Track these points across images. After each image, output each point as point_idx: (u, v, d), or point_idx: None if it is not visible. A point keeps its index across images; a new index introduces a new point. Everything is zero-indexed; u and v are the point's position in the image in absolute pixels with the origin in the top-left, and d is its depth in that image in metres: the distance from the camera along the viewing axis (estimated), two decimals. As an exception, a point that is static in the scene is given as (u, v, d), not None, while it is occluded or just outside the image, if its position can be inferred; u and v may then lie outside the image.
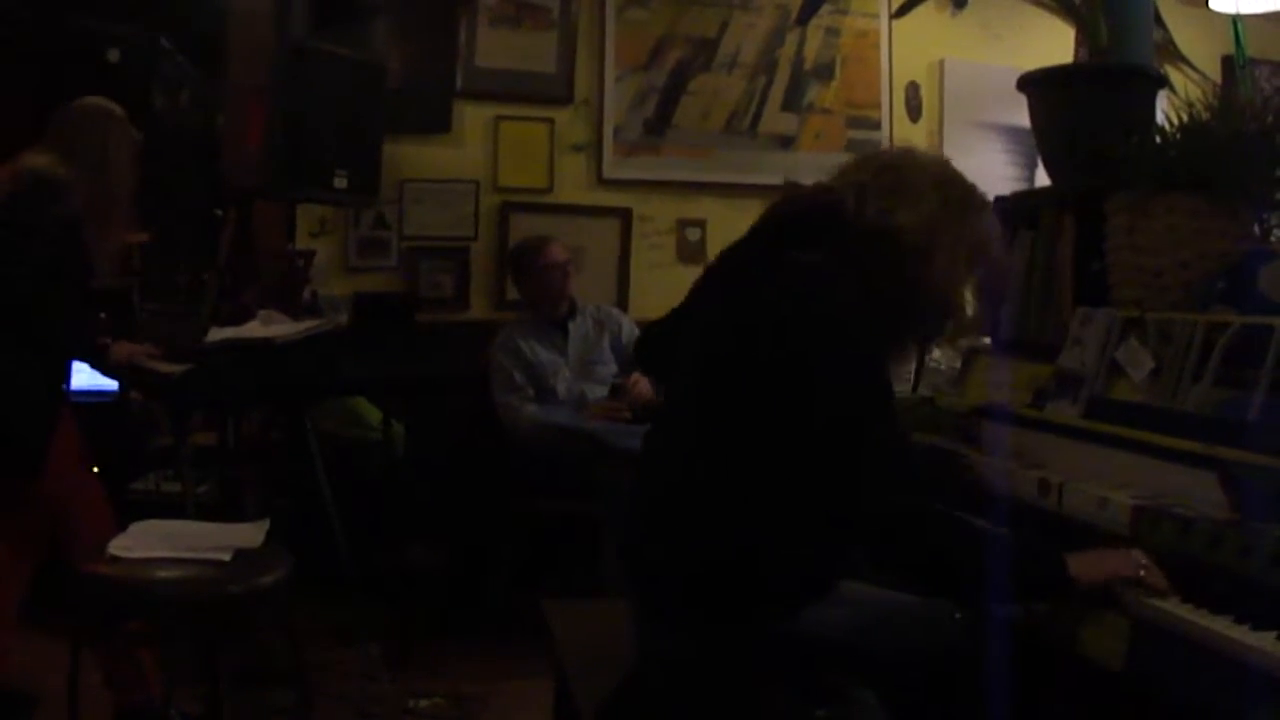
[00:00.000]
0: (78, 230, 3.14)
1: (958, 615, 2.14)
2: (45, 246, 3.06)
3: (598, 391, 4.57)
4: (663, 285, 5.36)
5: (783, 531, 2.00)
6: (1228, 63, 5.18)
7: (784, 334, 1.99)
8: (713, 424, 2.08)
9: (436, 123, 5.08)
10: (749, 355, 2.03)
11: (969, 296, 2.12)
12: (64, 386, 3.31)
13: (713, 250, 5.42)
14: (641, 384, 4.50)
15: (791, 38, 5.56)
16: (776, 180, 5.55)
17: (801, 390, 1.94)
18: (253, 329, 3.75)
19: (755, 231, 2.23)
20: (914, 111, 5.78)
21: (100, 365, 3.54)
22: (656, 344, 2.52)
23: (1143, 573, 1.89)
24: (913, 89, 5.77)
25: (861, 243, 2.05)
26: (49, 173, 3.12)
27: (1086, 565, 1.94)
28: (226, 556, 2.67)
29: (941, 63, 5.77)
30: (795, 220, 2.16)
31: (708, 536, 2.02)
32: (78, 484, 3.23)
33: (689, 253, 5.42)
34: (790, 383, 1.96)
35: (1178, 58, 3.62)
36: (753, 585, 2.02)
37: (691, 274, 5.45)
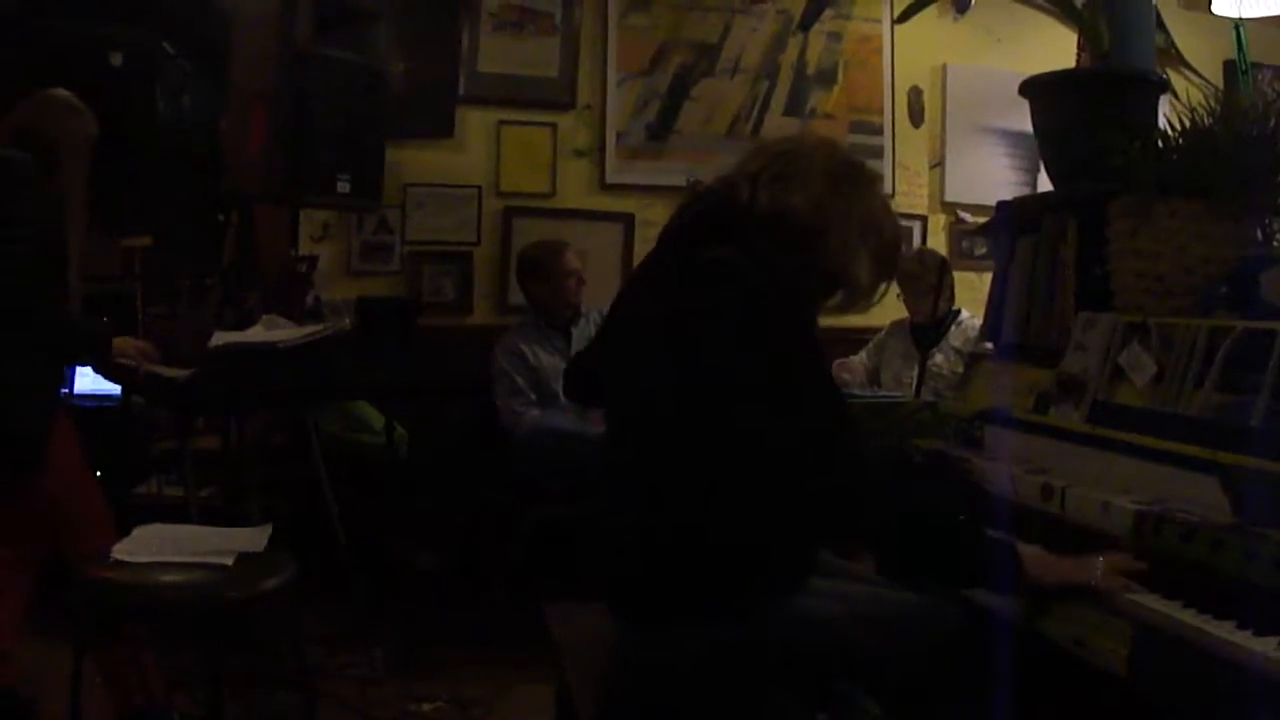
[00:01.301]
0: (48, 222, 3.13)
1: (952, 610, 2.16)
2: (24, 239, 3.05)
3: (600, 396, 4.56)
4: (665, 290, 5.37)
5: (736, 524, 2.02)
6: (1230, 67, 5.18)
7: (700, 329, 2.02)
8: (652, 429, 2.12)
9: (439, 127, 5.09)
10: (672, 356, 2.06)
11: (866, 267, 2.18)
12: (59, 381, 3.30)
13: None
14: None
15: (794, 43, 5.57)
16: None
17: (723, 383, 1.98)
18: (256, 333, 3.74)
19: (664, 236, 2.30)
20: (916, 116, 5.78)
21: (103, 363, 3.53)
22: (583, 372, 2.63)
23: (1095, 582, 1.96)
24: (915, 94, 5.77)
25: (760, 230, 2.11)
26: (11, 157, 3.12)
27: (1044, 568, 2.02)
28: (229, 561, 2.67)
29: (944, 68, 5.77)
30: (699, 218, 2.22)
31: (668, 539, 2.05)
32: (78, 487, 3.23)
33: (691, 257, 5.42)
34: (711, 376, 1.99)
35: (1180, 62, 3.63)
36: (719, 581, 2.04)
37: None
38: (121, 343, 3.40)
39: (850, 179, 2.21)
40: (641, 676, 2.10)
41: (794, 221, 2.12)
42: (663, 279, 2.21)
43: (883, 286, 2.25)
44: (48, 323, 3.14)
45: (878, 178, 2.35)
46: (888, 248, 2.24)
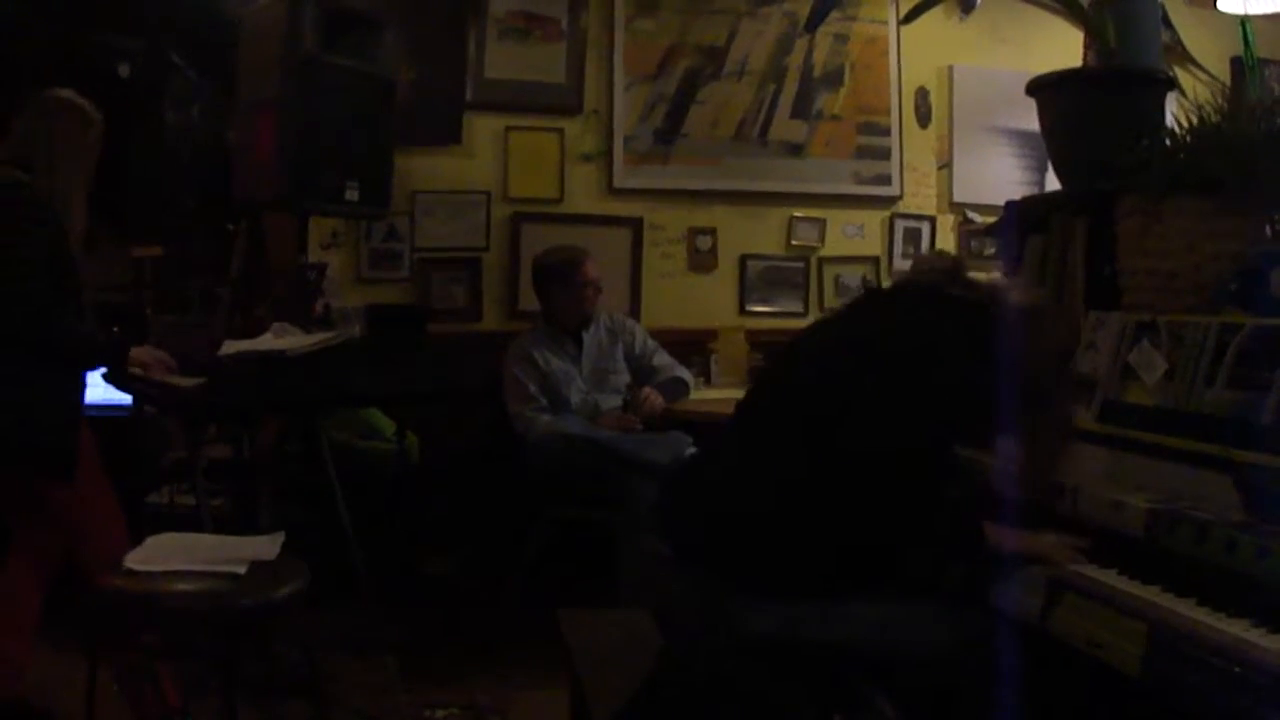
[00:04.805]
0: (55, 232, 3.14)
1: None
2: (37, 252, 3.07)
3: (611, 401, 4.57)
4: (674, 294, 5.38)
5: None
6: (1237, 64, 5.17)
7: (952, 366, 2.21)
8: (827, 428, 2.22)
9: (447, 134, 5.10)
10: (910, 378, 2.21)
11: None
12: (81, 393, 3.32)
13: (724, 258, 5.45)
14: (652, 398, 4.52)
15: (800, 45, 5.56)
16: (787, 187, 5.59)
17: (944, 416, 2.20)
18: (266, 341, 3.75)
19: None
20: (923, 117, 5.78)
21: (118, 374, 3.54)
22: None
23: (1048, 550, 2.17)
24: (922, 94, 5.77)
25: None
26: (18, 178, 3.13)
27: (1002, 537, 2.20)
28: (242, 569, 2.68)
29: (950, 68, 5.77)
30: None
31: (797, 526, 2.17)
32: (95, 496, 3.24)
33: (700, 261, 5.43)
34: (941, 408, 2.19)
35: (1187, 59, 3.62)
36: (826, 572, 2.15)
37: (703, 282, 5.51)
38: (139, 353, 3.41)
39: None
40: (688, 679, 2.15)
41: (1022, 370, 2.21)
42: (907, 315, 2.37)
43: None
44: (66, 336, 3.16)
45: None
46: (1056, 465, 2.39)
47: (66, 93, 3.36)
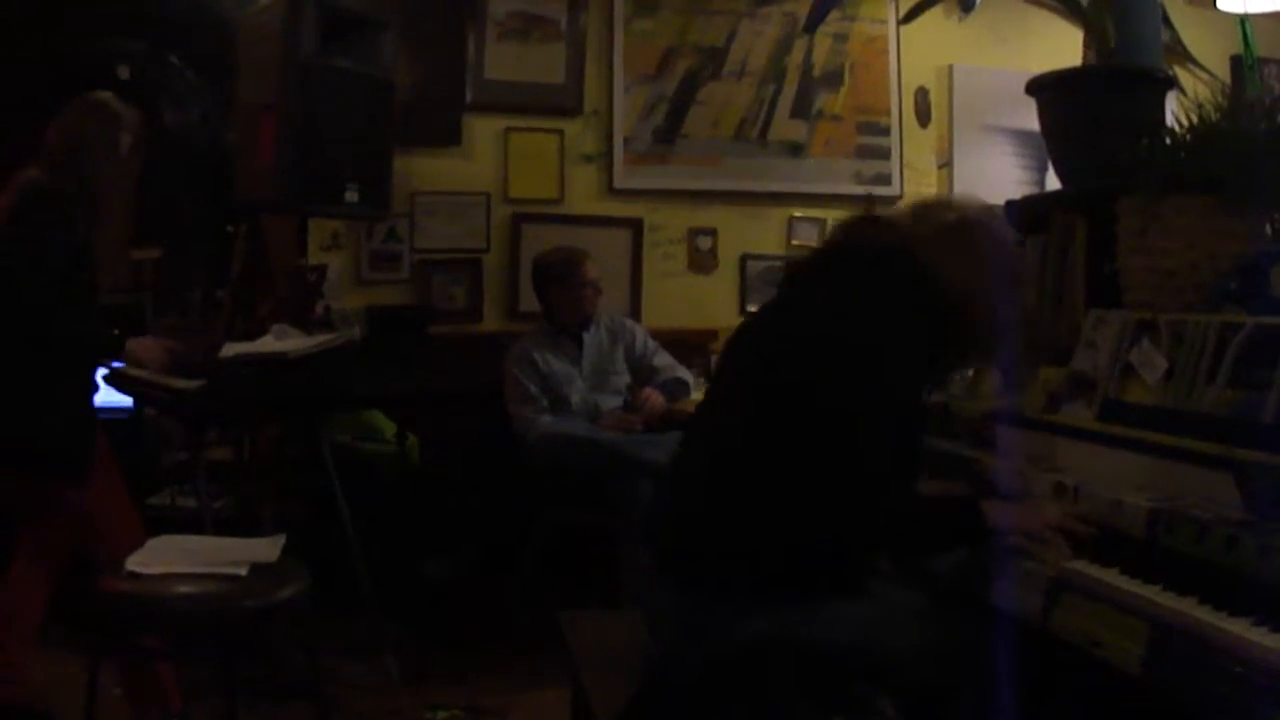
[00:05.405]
0: (80, 237, 3.15)
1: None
2: (55, 258, 3.07)
3: (611, 402, 4.57)
4: (675, 294, 5.38)
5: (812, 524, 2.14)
6: (1236, 63, 5.17)
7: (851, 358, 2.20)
8: (762, 427, 2.22)
9: (447, 135, 5.10)
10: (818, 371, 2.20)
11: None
12: (93, 394, 3.33)
13: (724, 258, 5.45)
14: (654, 398, 4.51)
15: (799, 45, 5.56)
16: (787, 187, 5.59)
17: (857, 409, 2.16)
18: (266, 344, 3.75)
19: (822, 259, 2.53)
20: (923, 117, 5.78)
21: (117, 374, 3.54)
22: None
23: (1048, 533, 2.15)
24: (922, 94, 5.77)
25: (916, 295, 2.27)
26: (42, 184, 3.13)
27: (1002, 516, 2.20)
28: (243, 571, 2.68)
29: (950, 68, 5.76)
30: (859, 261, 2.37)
31: (748, 527, 2.17)
32: (109, 497, 3.24)
33: (700, 261, 5.43)
34: (848, 401, 2.17)
35: (1186, 58, 3.61)
36: (783, 573, 2.14)
37: (703, 282, 5.50)
38: (136, 344, 3.40)
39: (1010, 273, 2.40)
40: (688, 681, 2.14)
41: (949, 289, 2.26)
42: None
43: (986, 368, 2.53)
44: (78, 339, 3.17)
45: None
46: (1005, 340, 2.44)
47: (104, 95, 3.37)
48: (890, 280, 2.27)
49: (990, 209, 2.50)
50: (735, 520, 2.18)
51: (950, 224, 2.33)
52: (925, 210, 2.41)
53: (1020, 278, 2.46)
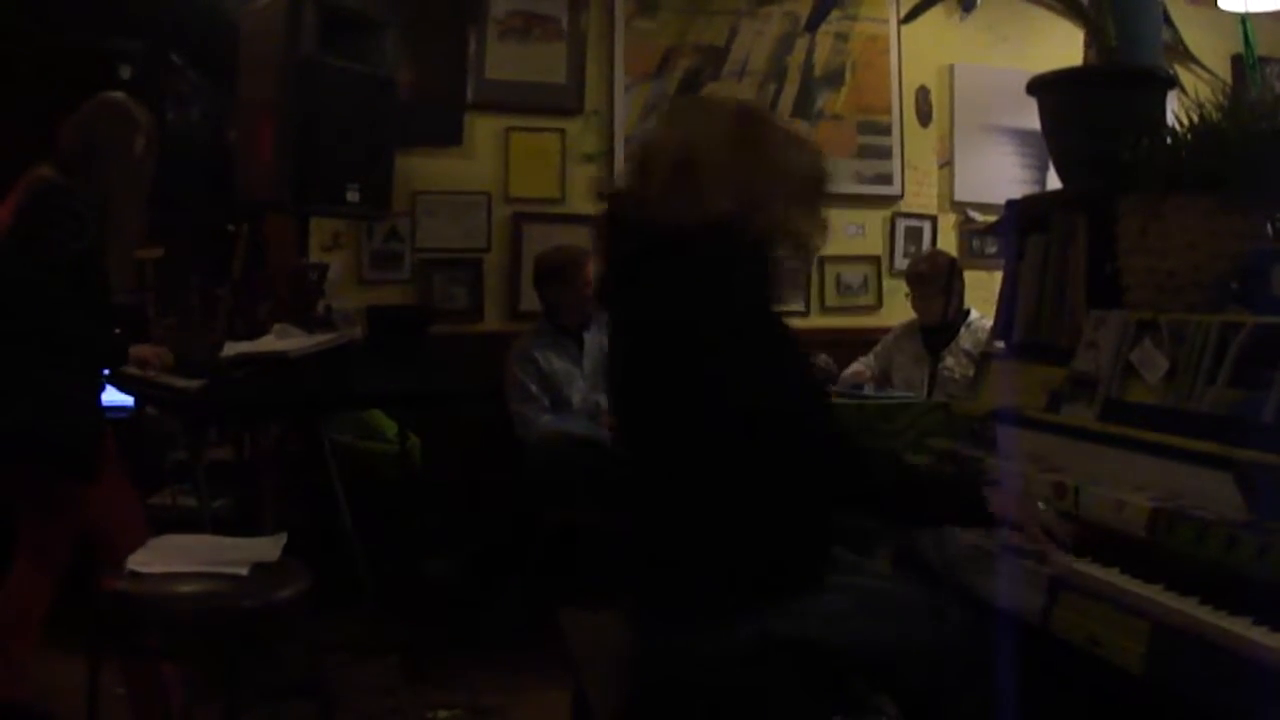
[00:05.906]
0: (92, 237, 3.15)
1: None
2: (66, 258, 3.08)
3: (612, 401, 4.57)
4: (675, 293, 5.37)
5: (753, 508, 2.11)
6: (1237, 62, 5.17)
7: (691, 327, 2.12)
8: (661, 425, 2.22)
9: (448, 135, 5.10)
10: (668, 357, 2.16)
11: (799, 216, 2.25)
12: (100, 393, 3.33)
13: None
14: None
15: (801, 44, 5.57)
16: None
17: (717, 366, 2.09)
18: (267, 343, 3.75)
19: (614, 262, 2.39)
20: (924, 116, 5.78)
21: (118, 374, 3.55)
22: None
23: (1038, 517, 2.18)
24: (923, 93, 5.77)
25: (699, 240, 2.16)
26: (55, 183, 3.14)
27: (1003, 505, 2.17)
28: (244, 571, 2.67)
29: (951, 67, 5.77)
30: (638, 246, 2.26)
31: (688, 535, 2.17)
32: (116, 496, 3.25)
33: (701, 261, 5.42)
34: (706, 361, 2.10)
35: (1187, 58, 3.61)
36: (739, 574, 2.11)
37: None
38: (139, 350, 3.41)
39: (748, 142, 2.22)
40: (662, 678, 2.13)
41: (726, 223, 2.14)
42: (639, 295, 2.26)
43: (823, 217, 2.29)
44: (89, 339, 3.17)
45: (765, 119, 2.39)
46: (808, 184, 2.28)
47: (118, 96, 3.37)
48: (701, 260, 2.16)
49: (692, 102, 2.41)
50: (705, 526, 2.15)
51: (676, 165, 2.18)
52: (646, 163, 2.26)
53: (757, 131, 2.25)
